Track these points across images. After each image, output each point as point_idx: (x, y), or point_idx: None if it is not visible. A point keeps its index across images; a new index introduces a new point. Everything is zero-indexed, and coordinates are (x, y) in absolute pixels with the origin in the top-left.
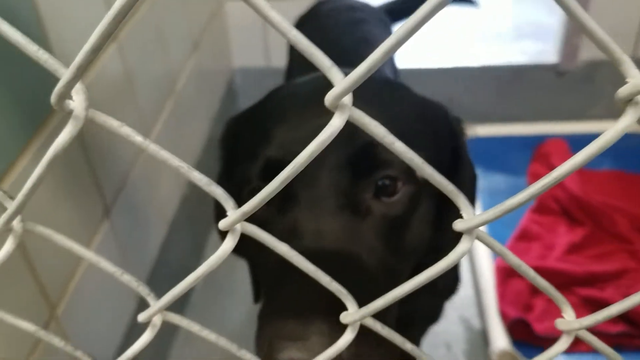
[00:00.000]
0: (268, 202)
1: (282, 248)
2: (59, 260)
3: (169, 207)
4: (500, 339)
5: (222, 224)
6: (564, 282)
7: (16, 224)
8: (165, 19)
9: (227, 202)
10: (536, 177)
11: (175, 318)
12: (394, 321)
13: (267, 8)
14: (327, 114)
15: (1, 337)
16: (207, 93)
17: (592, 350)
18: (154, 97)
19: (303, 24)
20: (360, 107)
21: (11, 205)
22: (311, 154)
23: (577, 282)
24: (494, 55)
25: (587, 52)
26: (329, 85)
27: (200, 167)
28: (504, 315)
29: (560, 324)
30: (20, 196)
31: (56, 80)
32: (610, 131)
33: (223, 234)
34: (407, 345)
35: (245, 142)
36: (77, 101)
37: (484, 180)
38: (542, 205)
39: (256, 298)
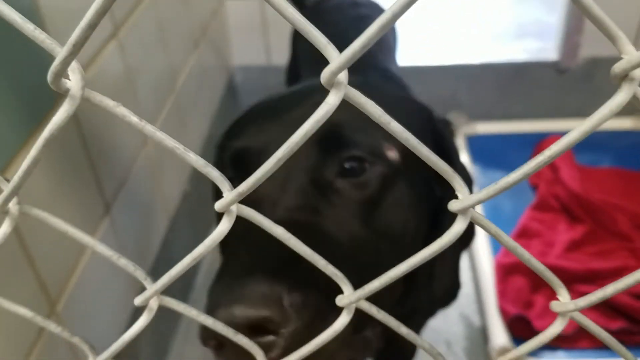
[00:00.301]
0: (235, 180)
1: (278, 231)
2: (59, 256)
3: (170, 203)
4: (500, 336)
5: (218, 205)
6: (564, 279)
7: (12, 206)
8: (166, 16)
9: (223, 183)
10: (537, 175)
11: (171, 302)
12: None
13: None
14: (296, 120)
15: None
16: (208, 91)
17: (593, 347)
18: (154, 95)
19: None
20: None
21: (7, 188)
22: (306, 132)
23: (577, 279)
24: (495, 53)
25: (588, 50)
26: (304, 97)
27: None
28: (504, 313)
29: (555, 306)
30: (16, 178)
31: None
32: (604, 107)
33: (219, 218)
34: (402, 329)
35: (223, 142)
36: (73, 80)
37: (485, 178)
38: (543, 203)
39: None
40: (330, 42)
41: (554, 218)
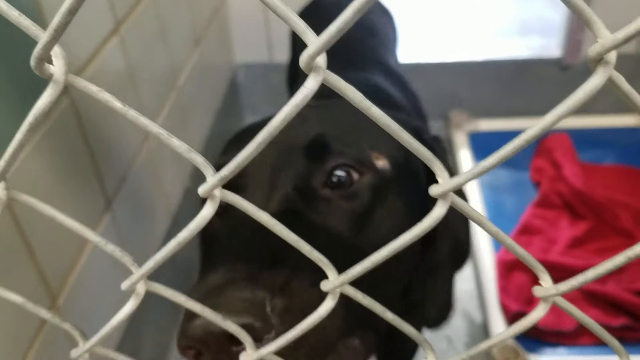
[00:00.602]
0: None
1: (263, 217)
2: (60, 251)
3: (172, 200)
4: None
5: (201, 189)
6: (566, 275)
7: (0, 191)
8: (168, 13)
9: (206, 168)
10: (539, 172)
11: (159, 288)
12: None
13: None
14: (283, 133)
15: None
16: (210, 88)
17: (594, 343)
18: (155, 92)
19: (305, 16)
20: (322, 112)
21: None
22: (285, 117)
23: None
24: (497, 50)
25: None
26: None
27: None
28: (505, 309)
29: (537, 290)
30: (2, 163)
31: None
32: (580, 90)
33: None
34: (388, 315)
35: (218, 159)
36: (57, 65)
37: (487, 175)
38: (545, 200)
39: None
40: (309, 27)
41: (556, 215)
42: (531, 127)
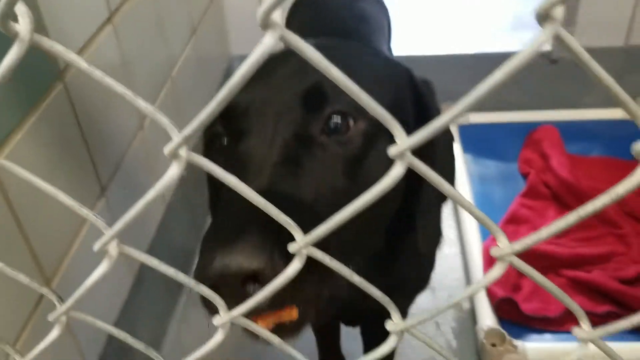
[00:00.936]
0: (224, 134)
1: (231, 179)
2: (54, 236)
3: (166, 192)
4: (487, 318)
5: (166, 149)
6: (552, 264)
7: None
8: (163, 3)
9: (172, 129)
10: (527, 163)
11: (131, 251)
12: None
13: None
14: (279, 78)
15: None
16: (205, 80)
17: None
18: (150, 81)
19: (300, 2)
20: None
21: None
22: (244, 74)
23: (565, 264)
24: (489, 44)
25: (580, 40)
26: (289, 57)
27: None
28: (492, 295)
29: (493, 251)
30: None
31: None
32: (526, 48)
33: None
34: (355, 278)
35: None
36: (22, 24)
37: (476, 166)
38: (532, 190)
39: (212, 206)
40: None
41: (543, 205)
42: (477, 87)
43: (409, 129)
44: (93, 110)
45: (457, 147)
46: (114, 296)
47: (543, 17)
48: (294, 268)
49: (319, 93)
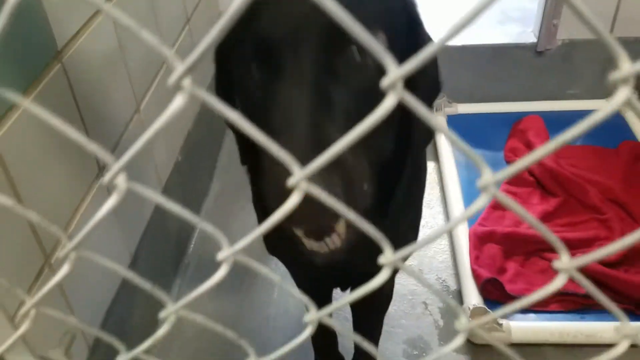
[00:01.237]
0: (257, 72)
1: (232, 115)
2: (54, 213)
3: (163, 172)
4: (473, 297)
5: (170, 80)
6: (536, 248)
7: None
8: None
9: (175, 60)
10: (513, 152)
11: (138, 187)
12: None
13: None
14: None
15: None
16: (198, 68)
17: (562, 310)
18: (145, 66)
19: None
20: None
21: None
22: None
23: (548, 248)
24: (476, 36)
25: (565, 33)
26: None
27: (191, 138)
28: (477, 277)
29: (478, 182)
30: None
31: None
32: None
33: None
34: (351, 215)
35: (234, 34)
36: None
37: (464, 155)
38: (518, 177)
39: (243, 161)
40: None
41: (528, 192)
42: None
43: (404, 56)
44: (91, 91)
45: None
46: (111, 274)
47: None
48: (293, 201)
49: (339, 30)
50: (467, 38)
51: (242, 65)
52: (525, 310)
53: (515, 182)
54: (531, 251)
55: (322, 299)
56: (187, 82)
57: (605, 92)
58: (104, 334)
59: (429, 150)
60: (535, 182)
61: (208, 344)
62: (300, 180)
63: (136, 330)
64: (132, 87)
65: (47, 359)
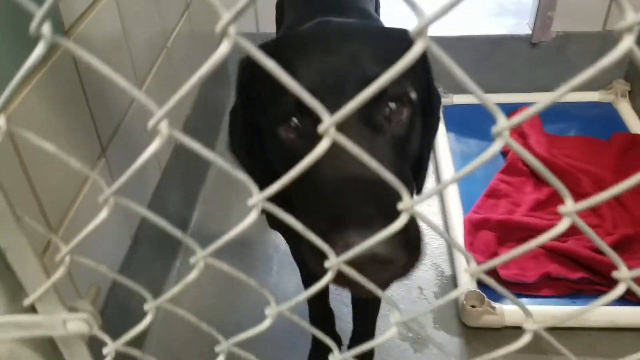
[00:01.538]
0: (303, 131)
1: (270, 64)
2: (60, 188)
3: (163, 156)
4: (467, 282)
5: (217, 27)
6: (529, 234)
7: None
8: None
9: (221, 7)
10: None
11: (180, 135)
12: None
13: None
14: (344, 50)
15: None
16: (197, 54)
17: (554, 295)
18: (147, 49)
19: None
20: (353, 45)
21: None
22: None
23: (540, 234)
24: (472, 28)
25: (560, 25)
26: (335, 28)
27: (189, 124)
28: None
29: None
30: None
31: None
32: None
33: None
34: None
35: (268, 83)
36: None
37: (459, 144)
38: (511, 167)
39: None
40: None
41: (521, 181)
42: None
43: (424, 107)
44: (95, 72)
45: (441, 127)
46: (115, 247)
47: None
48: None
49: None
50: (463, 29)
51: (278, 118)
52: (518, 295)
53: (509, 172)
54: (524, 238)
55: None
56: (232, 30)
57: (599, 84)
58: (132, 282)
59: None
60: (528, 171)
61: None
62: (329, 127)
63: (139, 308)
64: (134, 70)
65: (76, 308)
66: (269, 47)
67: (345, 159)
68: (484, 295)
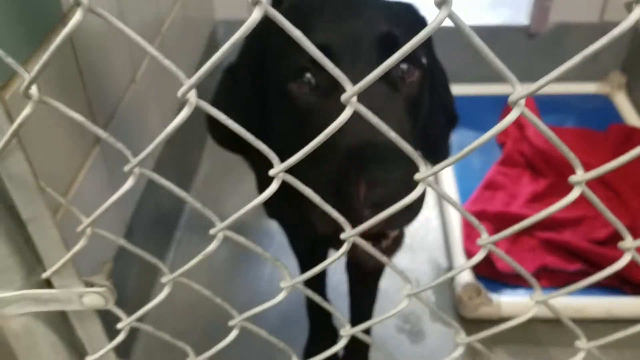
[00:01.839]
0: (316, 87)
1: (297, 33)
2: (61, 165)
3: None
4: (465, 274)
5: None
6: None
7: (34, 91)
8: None
9: None
10: (504, 133)
11: (202, 103)
12: None
13: None
14: (358, 10)
15: None
16: (190, 42)
17: (551, 286)
18: (143, 33)
19: None
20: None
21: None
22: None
23: (538, 227)
24: (471, 19)
25: (558, 15)
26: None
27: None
28: (469, 254)
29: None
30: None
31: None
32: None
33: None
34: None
35: (280, 42)
36: None
37: (456, 136)
38: (508, 159)
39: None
40: None
41: (518, 173)
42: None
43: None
44: (93, 57)
45: None
46: (113, 228)
47: None
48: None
49: (392, 40)
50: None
51: (291, 73)
52: (515, 286)
53: (506, 163)
54: (521, 230)
55: (317, 261)
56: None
57: (597, 74)
58: (149, 255)
59: None
60: (525, 162)
61: (198, 320)
62: (352, 96)
63: (133, 296)
64: (130, 54)
65: (91, 283)
66: (286, 6)
67: (362, 122)
68: (481, 286)
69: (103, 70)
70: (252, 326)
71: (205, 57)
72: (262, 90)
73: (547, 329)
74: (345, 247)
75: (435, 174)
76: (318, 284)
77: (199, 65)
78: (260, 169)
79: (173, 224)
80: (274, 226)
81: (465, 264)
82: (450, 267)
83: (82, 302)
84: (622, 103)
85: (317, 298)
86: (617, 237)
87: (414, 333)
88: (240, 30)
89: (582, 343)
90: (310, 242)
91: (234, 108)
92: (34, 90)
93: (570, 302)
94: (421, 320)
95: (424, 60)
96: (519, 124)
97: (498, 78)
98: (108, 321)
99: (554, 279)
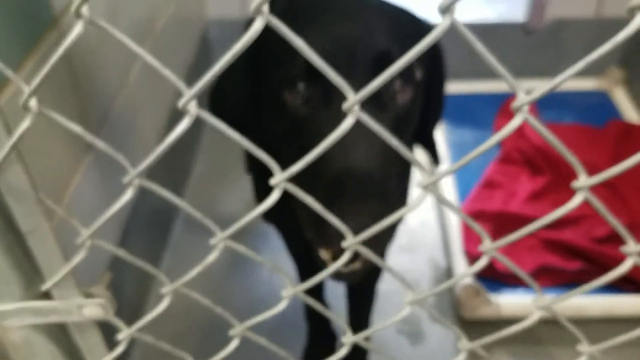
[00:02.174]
0: (309, 99)
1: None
2: (55, 169)
3: (148, 148)
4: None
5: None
6: (524, 224)
7: (33, 103)
8: None
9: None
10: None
11: (204, 113)
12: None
13: None
14: (357, 19)
15: None
16: (183, 41)
17: (551, 285)
18: (134, 33)
19: None
20: (369, 18)
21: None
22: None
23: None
24: (467, 14)
25: (554, 11)
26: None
27: (175, 116)
28: (469, 255)
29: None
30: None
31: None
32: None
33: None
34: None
35: (276, 47)
36: None
37: (454, 134)
38: (507, 157)
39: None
40: None
41: (516, 171)
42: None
43: (429, 85)
44: (85, 61)
45: None
46: (107, 234)
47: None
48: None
49: (388, 59)
50: (456, 16)
51: (285, 81)
52: (514, 286)
53: (504, 161)
54: (520, 228)
55: (313, 264)
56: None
57: (594, 71)
58: (149, 266)
59: None
60: (523, 160)
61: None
62: (354, 104)
63: (130, 301)
64: (122, 52)
65: (91, 294)
66: (280, 6)
67: (354, 139)
68: (480, 286)
69: (95, 74)
70: (253, 334)
71: (198, 57)
72: (256, 93)
73: (547, 329)
74: (347, 255)
75: (436, 181)
76: (317, 288)
77: (192, 65)
78: (256, 171)
79: (168, 224)
80: (269, 228)
81: (467, 270)
82: (449, 268)
83: (81, 314)
84: (621, 98)
85: (318, 307)
86: (617, 235)
87: (413, 335)
88: (241, 41)
89: (583, 347)
90: (306, 245)
91: (233, 106)
92: (33, 102)
93: (570, 301)
94: (421, 322)
95: (418, 74)
96: None
97: (494, 74)
98: (106, 329)
99: (554, 278)
